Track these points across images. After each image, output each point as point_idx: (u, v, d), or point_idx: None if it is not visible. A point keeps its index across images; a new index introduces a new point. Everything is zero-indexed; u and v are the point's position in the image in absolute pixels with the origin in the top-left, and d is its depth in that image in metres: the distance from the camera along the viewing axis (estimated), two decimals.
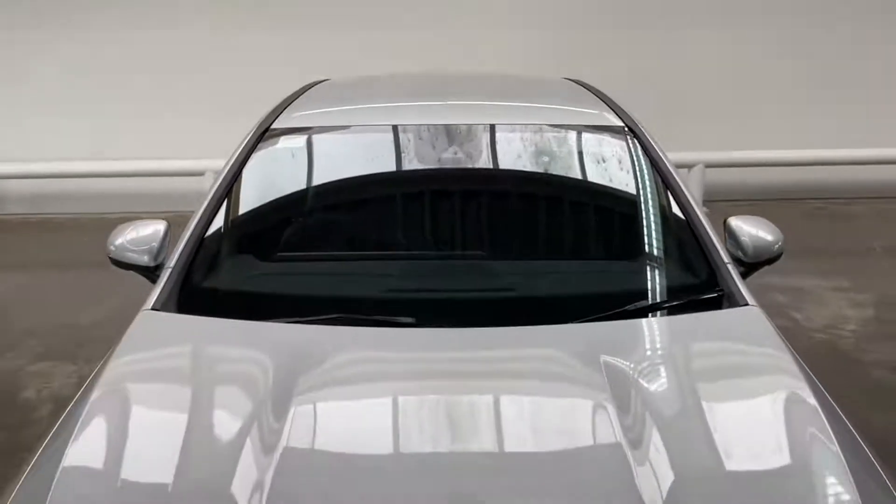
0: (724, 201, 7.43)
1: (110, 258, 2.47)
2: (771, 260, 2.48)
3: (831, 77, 7.49)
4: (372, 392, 1.82)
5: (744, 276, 2.40)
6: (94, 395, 1.77)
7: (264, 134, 2.67)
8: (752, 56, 7.45)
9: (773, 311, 4.66)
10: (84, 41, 7.20)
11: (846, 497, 1.44)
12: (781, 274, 5.51)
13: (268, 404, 1.68)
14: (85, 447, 1.61)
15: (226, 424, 1.67)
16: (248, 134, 2.72)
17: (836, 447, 1.55)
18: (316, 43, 7.09)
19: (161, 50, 7.22)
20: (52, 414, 3.69)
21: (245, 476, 1.48)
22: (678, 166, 7.28)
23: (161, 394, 1.85)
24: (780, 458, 1.60)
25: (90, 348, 4.24)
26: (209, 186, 2.56)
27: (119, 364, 1.90)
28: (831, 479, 1.51)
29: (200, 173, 6.75)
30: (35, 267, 6.06)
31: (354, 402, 1.80)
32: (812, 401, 1.70)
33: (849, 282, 5.36)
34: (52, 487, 1.48)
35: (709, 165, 7.36)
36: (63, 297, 5.30)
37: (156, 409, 1.79)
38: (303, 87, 3.22)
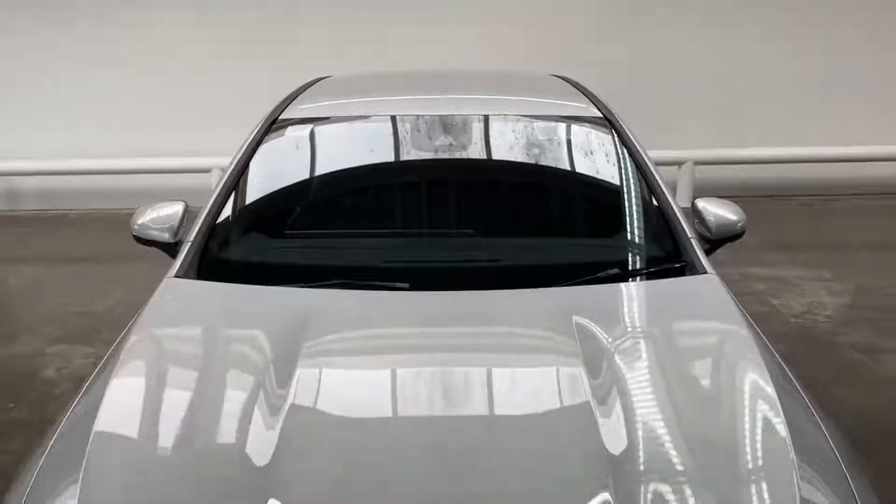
0: (717, 198, 7.69)
1: (134, 236, 2.72)
2: (734, 237, 2.72)
3: (818, 77, 7.71)
4: (371, 342, 2.08)
5: (709, 251, 2.63)
6: (124, 353, 2.00)
7: (273, 124, 2.93)
8: (740, 56, 7.67)
9: (754, 302, 4.96)
10: (97, 41, 7.42)
11: (779, 427, 1.67)
12: (763, 265, 5.80)
13: (281, 351, 1.93)
14: (117, 401, 1.82)
15: (244, 371, 1.91)
16: (258, 124, 2.98)
17: (772, 390, 1.78)
18: (316, 47, 7.33)
19: (168, 51, 7.44)
20: (72, 390, 3.94)
21: (263, 408, 1.73)
22: (668, 164, 7.51)
23: (185, 349, 2.11)
24: (721, 397, 1.84)
25: (105, 333, 4.48)
26: (224, 171, 2.81)
27: (147, 322, 2.14)
28: (765, 415, 1.75)
29: (207, 170, 7.01)
30: (49, 260, 6.30)
31: (356, 347, 2.07)
32: (755, 351, 1.94)
33: (827, 271, 5.60)
34: (88, 449, 1.62)
35: (698, 163, 7.62)
36: (77, 287, 5.54)
37: (181, 365, 2.03)
38: (307, 83, 3.49)
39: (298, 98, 3.15)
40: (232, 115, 7.00)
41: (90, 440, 1.67)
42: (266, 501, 1.46)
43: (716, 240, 2.67)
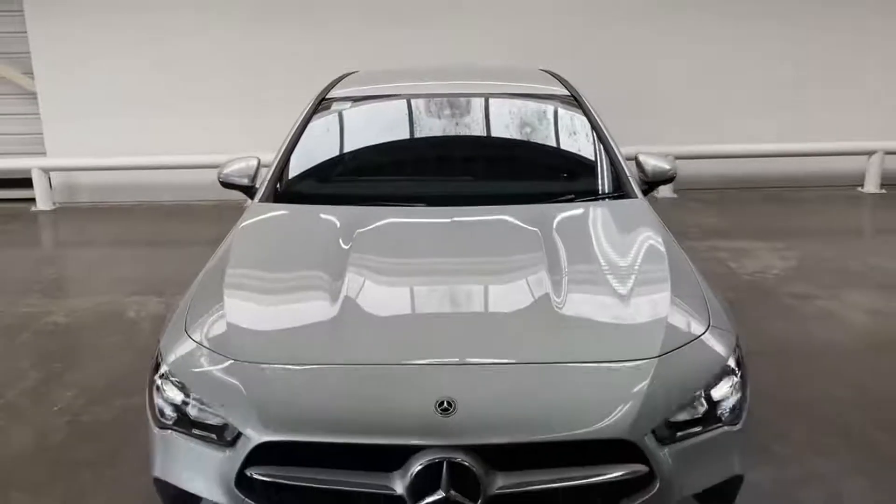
0: (694, 189, 8.64)
1: (220, 182, 3.66)
2: (667, 181, 3.63)
3: (788, 78, 8.63)
4: (399, 227, 3.11)
5: (648, 190, 3.54)
6: (237, 232, 3.04)
7: (322, 102, 3.90)
8: (717, 58, 8.61)
9: (716, 265, 5.88)
10: (140, 53, 8.40)
11: (664, 275, 2.60)
12: (728, 238, 6.71)
13: (339, 237, 2.90)
14: (236, 270, 2.75)
15: (316, 255, 2.85)
16: (309, 103, 3.95)
17: (666, 258, 2.71)
18: (334, 49, 8.27)
19: (208, 56, 8.41)
20: (152, 325, 4.88)
21: (331, 272, 2.67)
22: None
23: (272, 230, 3.16)
24: (630, 260, 2.78)
25: (170, 290, 5.42)
26: (287, 134, 3.77)
27: (247, 218, 3.19)
28: (656, 270, 2.67)
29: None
30: (108, 243, 7.20)
31: (392, 230, 3.07)
32: (659, 240, 2.86)
33: (782, 243, 6.49)
34: (224, 296, 2.54)
35: (678, 157, 8.50)
36: (137, 263, 6.46)
37: (273, 243, 3.05)
38: (340, 76, 4.46)
39: (338, 84, 4.14)
40: (263, 116, 8.03)
41: (225, 278, 2.66)
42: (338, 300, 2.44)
43: (651, 181, 3.59)
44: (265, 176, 3.53)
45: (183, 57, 8.43)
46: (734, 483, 2.32)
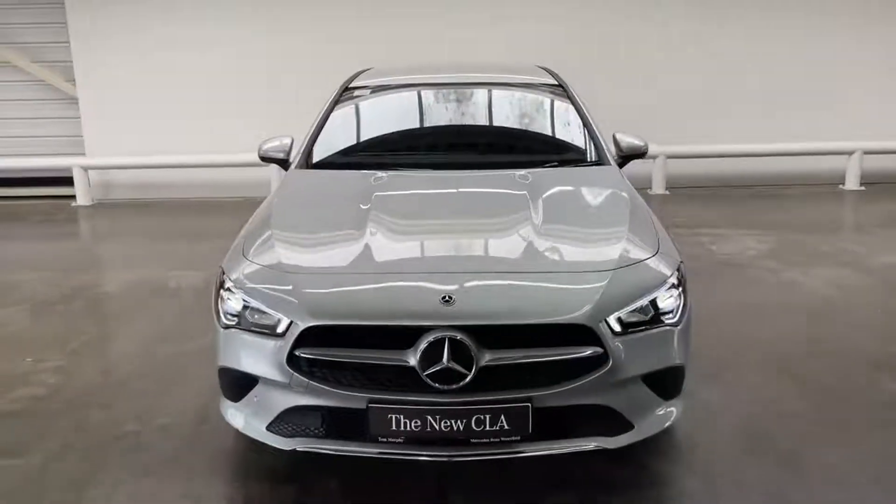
0: (686, 187, 9.27)
1: (260, 156, 4.32)
2: (640, 155, 4.25)
3: (778, 80, 9.29)
4: (414, 182, 3.78)
5: (623, 163, 4.18)
6: (277, 192, 3.73)
7: (344, 91, 4.58)
8: (707, 70, 9.29)
9: (696, 247, 6.51)
10: (178, 56, 9.12)
11: (623, 211, 3.25)
12: (712, 227, 7.32)
13: (364, 187, 3.57)
14: (280, 211, 3.44)
15: (346, 202, 3.50)
16: (334, 92, 4.63)
17: (627, 200, 3.37)
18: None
19: (235, 63, 9.12)
20: (192, 291, 5.53)
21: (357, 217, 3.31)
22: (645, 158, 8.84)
23: (308, 189, 3.83)
24: (597, 200, 3.50)
25: (205, 267, 6.05)
26: (315, 117, 4.44)
27: (289, 177, 3.87)
28: (617, 208, 3.33)
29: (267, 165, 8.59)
30: (144, 233, 7.87)
31: (407, 181, 3.75)
32: (624, 193, 3.51)
33: (761, 231, 7.10)
34: (272, 227, 3.21)
35: (670, 157, 9.15)
36: (171, 247, 7.15)
37: (309, 196, 3.73)
38: (357, 72, 5.14)
39: (357, 77, 4.82)
40: (286, 119, 8.67)
41: (272, 218, 3.33)
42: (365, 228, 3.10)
43: (626, 155, 4.22)
44: (298, 150, 4.20)
45: (211, 64, 9.15)
46: (676, 373, 2.92)
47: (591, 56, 9.07)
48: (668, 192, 9.15)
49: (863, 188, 9.15)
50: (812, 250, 6.41)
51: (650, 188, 9.14)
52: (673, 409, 2.95)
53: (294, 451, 2.79)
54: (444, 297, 2.66)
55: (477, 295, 2.72)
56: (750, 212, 8.16)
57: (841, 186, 9.27)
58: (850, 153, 9.13)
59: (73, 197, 9.20)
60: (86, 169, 9.16)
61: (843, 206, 8.58)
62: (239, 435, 3.13)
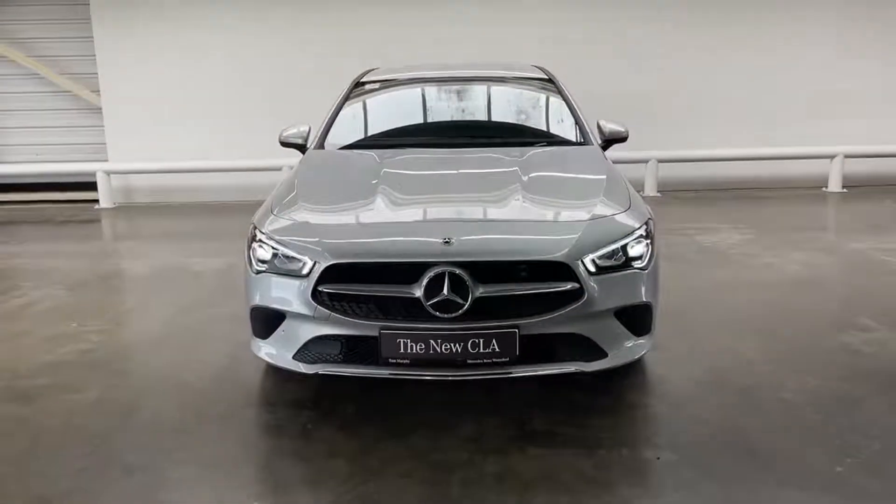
0: (677, 190, 9.76)
1: (281, 142, 4.82)
2: (620, 140, 4.74)
3: (765, 87, 9.81)
4: (419, 160, 4.26)
5: (606, 147, 4.67)
6: (299, 165, 4.23)
7: (356, 86, 5.11)
8: (695, 69, 9.82)
9: (685, 238, 6.98)
10: (195, 67, 9.69)
11: (600, 180, 3.74)
12: (698, 222, 7.80)
13: (373, 165, 4.05)
14: (302, 177, 3.96)
15: (360, 171, 4.01)
16: (346, 87, 5.15)
17: (605, 172, 3.86)
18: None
19: (248, 74, 9.68)
20: (214, 273, 6.02)
21: (371, 185, 3.81)
22: (636, 162, 9.40)
23: (326, 163, 4.33)
24: (579, 170, 3.99)
25: (225, 255, 6.56)
26: (330, 107, 4.95)
27: (308, 155, 4.42)
28: (596, 178, 3.81)
29: (278, 168, 9.11)
30: (164, 231, 8.39)
31: (412, 161, 4.21)
32: (603, 164, 4.01)
33: (744, 225, 7.57)
34: (297, 187, 3.77)
35: (661, 161, 9.65)
36: (191, 242, 7.66)
37: (327, 168, 4.25)
38: (364, 71, 5.67)
39: (367, 74, 5.35)
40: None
41: (296, 183, 3.84)
42: (377, 192, 3.59)
43: (609, 139, 4.71)
44: (315, 135, 4.71)
45: (225, 75, 9.72)
46: (644, 310, 3.38)
47: (585, 64, 9.58)
48: (659, 195, 9.64)
49: (845, 190, 9.63)
50: (791, 240, 6.87)
51: (642, 191, 9.63)
52: (643, 342, 3.41)
53: (316, 374, 3.27)
54: (444, 240, 3.15)
55: (472, 238, 3.21)
56: (735, 210, 8.62)
57: (824, 189, 9.75)
58: (833, 157, 9.61)
59: (95, 201, 9.73)
60: (108, 173, 9.68)
61: (824, 206, 9.04)
62: (266, 373, 3.60)
